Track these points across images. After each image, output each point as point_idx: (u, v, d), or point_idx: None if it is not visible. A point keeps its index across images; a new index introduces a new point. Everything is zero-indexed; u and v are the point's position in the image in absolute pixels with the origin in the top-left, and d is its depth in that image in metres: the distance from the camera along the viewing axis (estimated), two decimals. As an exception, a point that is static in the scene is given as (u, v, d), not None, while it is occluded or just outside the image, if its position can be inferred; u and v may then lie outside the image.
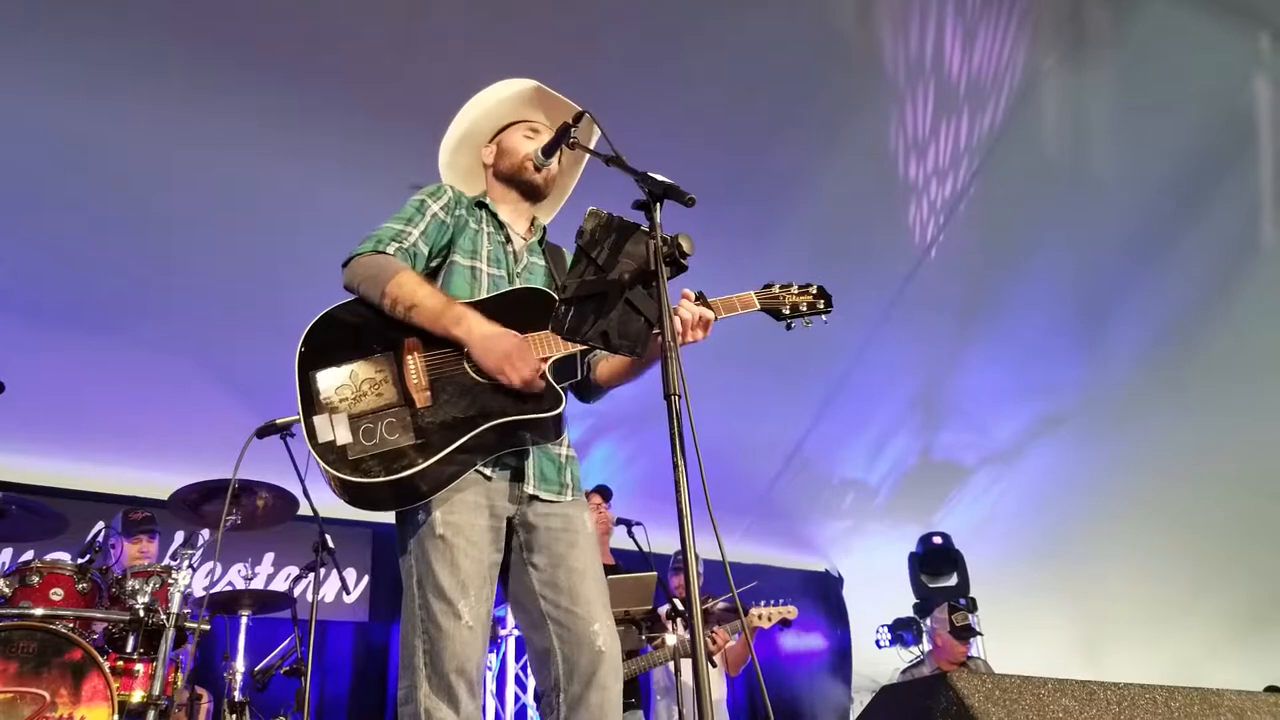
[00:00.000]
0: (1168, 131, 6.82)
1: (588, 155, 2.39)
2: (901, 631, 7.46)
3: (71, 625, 3.73)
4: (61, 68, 4.94)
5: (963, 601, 6.43)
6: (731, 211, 6.41)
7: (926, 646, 7.17)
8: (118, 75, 5.03)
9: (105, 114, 5.11)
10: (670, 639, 4.70)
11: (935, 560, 7.85)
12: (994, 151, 7.06)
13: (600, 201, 1.99)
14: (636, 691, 4.96)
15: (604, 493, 5.31)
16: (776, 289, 2.44)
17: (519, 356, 2.10)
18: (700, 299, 2.25)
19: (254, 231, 5.76)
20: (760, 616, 4.99)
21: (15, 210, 5.33)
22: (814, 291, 2.47)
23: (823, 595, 9.31)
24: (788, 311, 2.43)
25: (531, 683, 5.28)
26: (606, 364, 2.39)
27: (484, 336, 2.12)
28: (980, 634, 5.64)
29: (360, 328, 2.17)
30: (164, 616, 3.87)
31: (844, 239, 7.06)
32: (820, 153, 6.66)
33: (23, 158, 5.14)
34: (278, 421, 3.69)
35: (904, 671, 6.34)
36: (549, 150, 2.42)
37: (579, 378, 2.35)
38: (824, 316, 2.47)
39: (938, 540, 7.88)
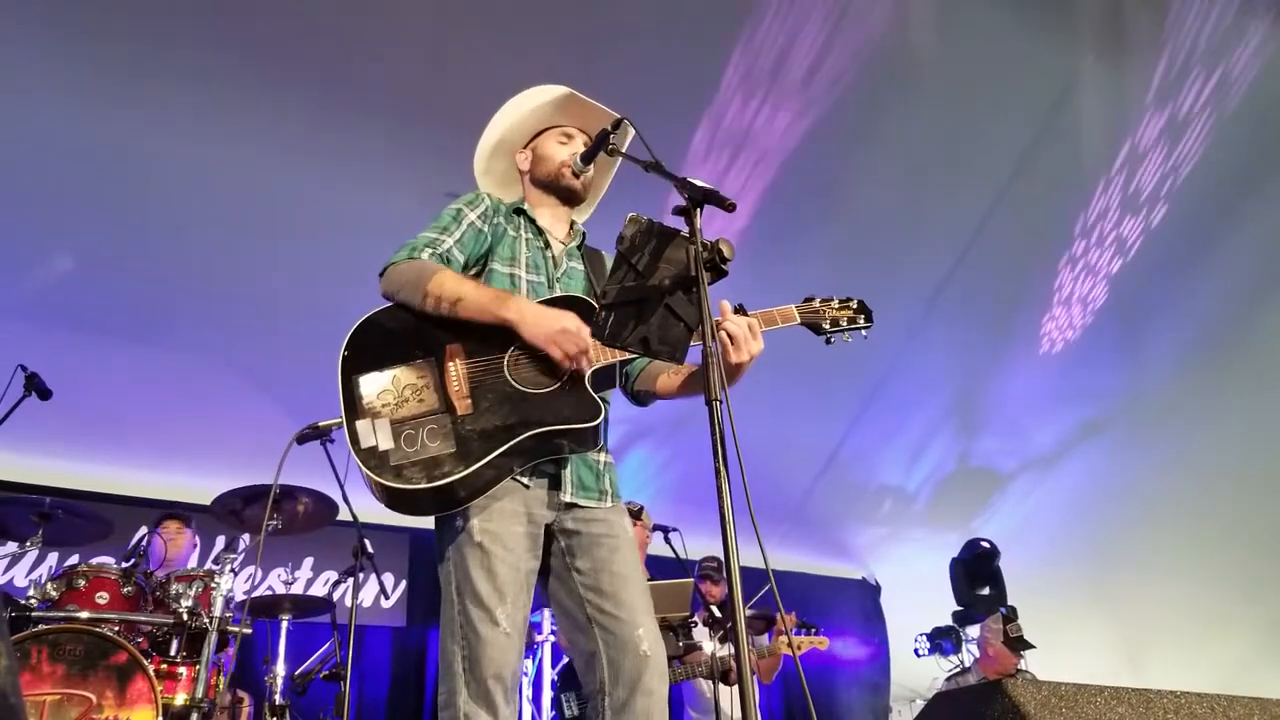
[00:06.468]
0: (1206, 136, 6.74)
1: (621, 157, 2.39)
2: (941, 640, 7.35)
3: (117, 629, 3.79)
4: (99, 75, 5.03)
5: (1003, 610, 6.33)
6: (765, 216, 6.40)
7: (967, 655, 7.08)
8: (156, 83, 5.12)
9: (145, 121, 5.21)
10: (706, 647, 4.68)
11: (981, 566, 7.71)
12: (1031, 153, 6.98)
13: (631, 205, 1.99)
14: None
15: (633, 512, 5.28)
16: (817, 303, 2.39)
17: (574, 330, 2.10)
18: (740, 311, 2.22)
19: (293, 238, 5.83)
20: (793, 646, 4.97)
21: (58, 218, 5.44)
22: (854, 306, 2.41)
23: (860, 603, 9.23)
24: (828, 326, 2.37)
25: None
26: (667, 379, 2.38)
27: (535, 313, 2.13)
28: (1034, 646, 5.52)
29: (402, 333, 2.18)
30: (207, 620, 3.92)
31: (880, 242, 7.02)
32: (855, 156, 6.62)
33: (66, 165, 5.24)
34: (320, 424, 3.71)
35: (948, 680, 6.25)
36: (588, 157, 2.42)
37: (616, 386, 2.35)
38: (864, 331, 2.42)
39: (985, 545, 7.73)
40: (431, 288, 2.16)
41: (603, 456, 2.33)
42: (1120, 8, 6.55)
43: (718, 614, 4.74)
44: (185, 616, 3.94)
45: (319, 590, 6.35)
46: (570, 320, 2.13)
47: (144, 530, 5.00)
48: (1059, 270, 7.73)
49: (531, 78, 2.57)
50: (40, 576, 4.14)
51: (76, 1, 4.81)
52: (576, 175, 2.47)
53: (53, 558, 5.76)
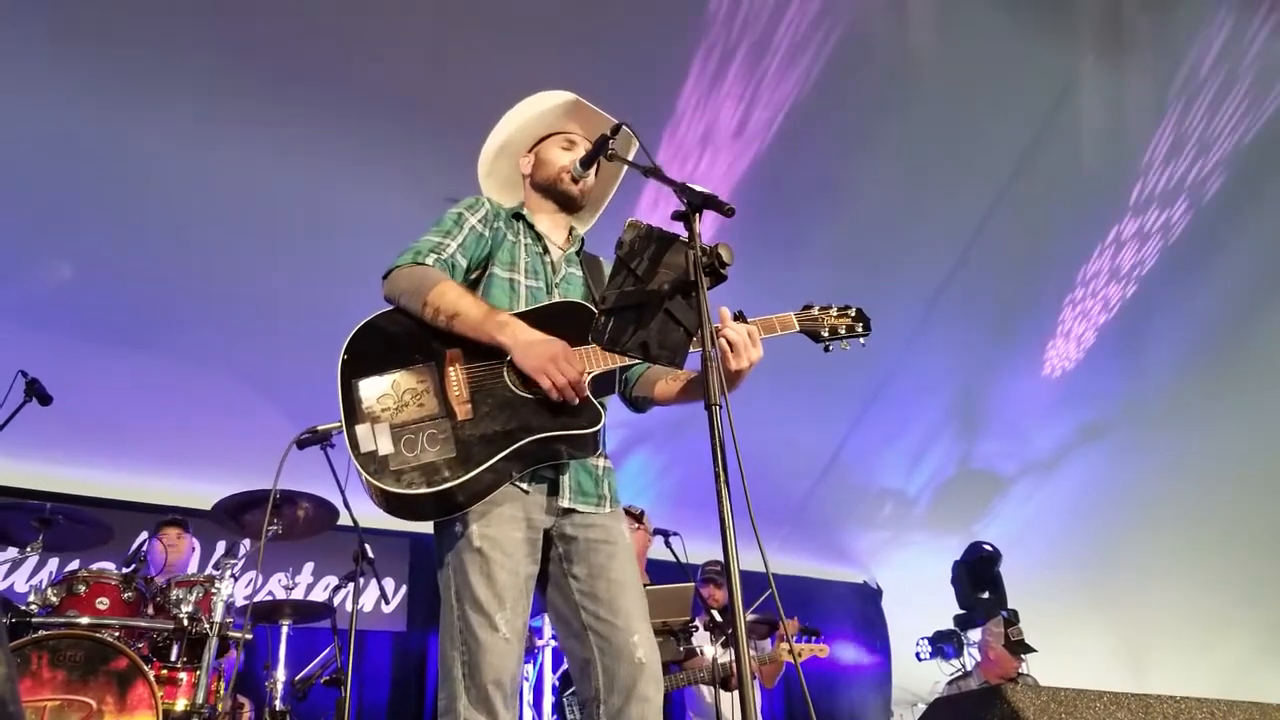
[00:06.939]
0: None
1: (626, 166, 2.39)
2: (942, 644, 7.34)
3: (117, 634, 3.78)
4: (98, 75, 5.03)
5: (1004, 614, 6.31)
6: (763, 219, 6.39)
7: (968, 659, 7.07)
8: (156, 83, 5.12)
9: (145, 122, 5.20)
10: (707, 651, 4.66)
11: (983, 569, 7.68)
12: (1031, 153, 6.98)
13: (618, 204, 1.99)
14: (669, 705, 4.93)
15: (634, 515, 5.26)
16: (816, 310, 2.41)
17: (563, 359, 2.09)
18: (740, 318, 2.22)
19: (293, 238, 5.83)
20: (794, 653, 4.97)
21: (57, 219, 5.44)
22: (853, 314, 2.43)
23: (861, 607, 9.21)
24: (826, 334, 2.39)
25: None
26: (665, 385, 2.37)
27: (527, 342, 2.12)
28: (1035, 649, 5.50)
29: (402, 337, 2.18)
30: (207, 626, 3.91)
31: (879, 245, 7.02)
32: (855, 157, 6.62)
33: (66, 165, 5.24)
34: (319, 428, 3.70)
35: (949, 684, 6.23)
36: (587, 162, 2.42)
37: (615, 392, 2.34)
38: (861, 340, 2.43)
39: (987, 548, 7.70)
40: (431, 298, 2.15)
41: (602, 461, 2.32)
42: (1120, 8, 6.55)
43: (719, 618, 4.73)
44: (186, 622, 3.93)
45: (319, 595, 6.33)
46: (557, 347, 2.11)
47: (144, 535, 4.99)
48: (1062, 306, 7.81)
49: (531, 78, 2.57)
50: (40, 582, 4.14)
51: (77, 3, 4.81)
52: (575, 181, 2.46)
53: (53, 563, 5.74)
